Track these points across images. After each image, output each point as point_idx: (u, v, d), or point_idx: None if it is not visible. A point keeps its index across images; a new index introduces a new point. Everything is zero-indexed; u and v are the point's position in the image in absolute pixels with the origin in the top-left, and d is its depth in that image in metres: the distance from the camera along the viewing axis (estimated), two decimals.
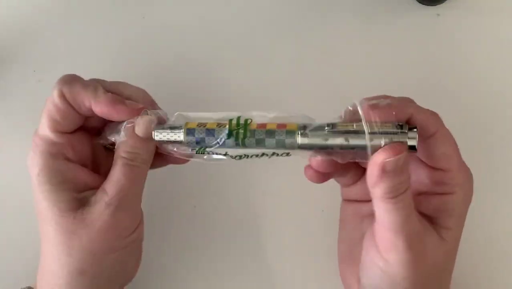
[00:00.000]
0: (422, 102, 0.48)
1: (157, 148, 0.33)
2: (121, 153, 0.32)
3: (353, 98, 0.48)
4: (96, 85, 0.33)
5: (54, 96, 0.32)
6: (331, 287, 0.41)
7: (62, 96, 0.32)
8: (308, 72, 0.48)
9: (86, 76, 0.50)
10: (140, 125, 0.31)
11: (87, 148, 0.34)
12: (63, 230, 0.30)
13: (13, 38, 0.50)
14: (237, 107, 0.48)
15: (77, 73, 0.50)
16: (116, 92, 0.33)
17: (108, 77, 0.51)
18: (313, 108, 0.49)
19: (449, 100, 0.47)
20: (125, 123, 0.32)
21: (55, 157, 0.32)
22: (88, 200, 0.31)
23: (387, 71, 0.48)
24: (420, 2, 0.50)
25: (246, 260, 0.42)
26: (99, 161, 0.35)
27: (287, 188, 0.43)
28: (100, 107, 0.32)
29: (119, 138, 0.32)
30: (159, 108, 0.35)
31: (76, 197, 0.31)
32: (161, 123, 0.33)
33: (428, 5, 0.50)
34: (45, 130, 0.32)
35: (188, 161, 0.34)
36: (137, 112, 0.32)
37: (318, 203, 0.43)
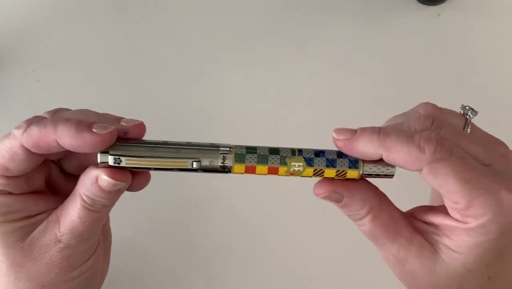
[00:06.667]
0: (422, 101, 0.48)
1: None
2: (80, 192, 0.28)
3: (353, 98, 0.48)
4: (55, 119, 0.28)
5: (14, 147, 0.27)
6: (331, 287, 0.41)
7: (22, 147, 0.27)
8: (309, 73, 0.48)
9: (86, 78, 0.51)
10: (103, 181, 0.27)
11: (38, 176, 0.30)
12: (9, 262, 0.29)
13: (13, 38, 0.50)
14: (236, 106, 0.48)
15: (76, 73, 0.51)
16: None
17: (109, 77, 0.51)
18: (313, 109, 0.50)
19: (449, 99, 0.47)
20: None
21: None
22: (38, 227, 0.29)
23: (387, 70, 0.48)
24: (420, 2, 0.50)
25: (246, 260, 0.42)
26: (53, 179, 0.31)
27: (287, 188, 0.43)
28: (67, 143, 0.27)
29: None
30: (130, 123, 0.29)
31: (25, 224, 0.29)
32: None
33: (428, 5, 0.50)
34: None
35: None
36: (109, 138, 0.27)
37: (318, 203, 0.43)
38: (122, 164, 0.27)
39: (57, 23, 0.51)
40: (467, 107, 0.29)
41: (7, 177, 0.28)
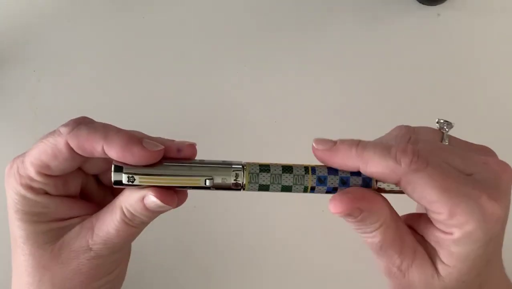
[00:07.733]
0: (422, 102, 0.49)
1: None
2: (123, 206, 0.28)
3: (352, 98, 0.48)
4: (106, 126, 0.27)
5: (58, 144, 0.27)
6: (330, 286, 0.41)
7: (67, 145, 0.27)
8: (309, 73, 0.48)
9: (86, 78, 0.51)
10: (150, 202, 0.27)
11: (75, 181, 0.30)
12: (35, 263, 0.28)
13: (13, 38, 0.50)
14: (235, 106, 0.48)
15: (76, 73, 0.51)
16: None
17: (109, 77, 0.51)
18: (313, 108, 0.50)
19: (449, 99, 0.47)
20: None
21: (36, 192, 0.28)
22: (69, 231, 0.29)
23: (387, 70, 0.48)
24: (420, 2, 0.50)
25: (245, 260, 0.42)
26: (88, 187, 0.31)
27: None
28: (114, 151, 0.26)
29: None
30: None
31: (57, 227, 0.28)
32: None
33: (428, 5, 0.50)
34: (30, 169, 0.27)
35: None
36: (157, 156, 0.27)
37: (318, 203, 0.43)
38: (136, 182, 0.27)
39: (58, 23, 0.51)
40: (442, 121, 0.29)
41: (46, 176, 0.27)
